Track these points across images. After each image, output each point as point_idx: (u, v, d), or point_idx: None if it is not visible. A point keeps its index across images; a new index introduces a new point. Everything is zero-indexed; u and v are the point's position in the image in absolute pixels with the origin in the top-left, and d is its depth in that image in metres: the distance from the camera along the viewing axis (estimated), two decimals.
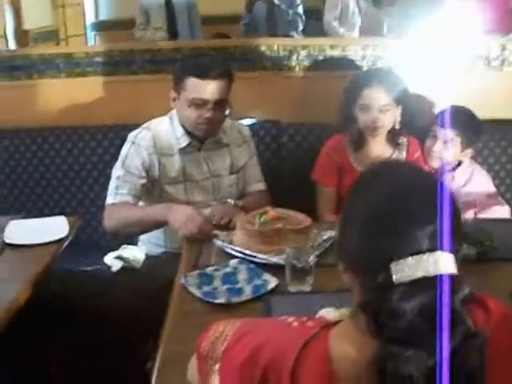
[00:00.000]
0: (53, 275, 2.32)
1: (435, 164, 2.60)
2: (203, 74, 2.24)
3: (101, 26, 6.03)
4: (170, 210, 2.17)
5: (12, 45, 4.00)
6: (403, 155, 2.62)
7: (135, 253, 2.56)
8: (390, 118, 2.50)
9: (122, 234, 2.43)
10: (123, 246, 2.61)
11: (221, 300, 1.66)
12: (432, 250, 0.92)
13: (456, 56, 2.93)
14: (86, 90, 2.92)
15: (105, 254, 2.58)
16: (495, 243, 1.97)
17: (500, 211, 2.55)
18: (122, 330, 2.34)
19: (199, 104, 2.26)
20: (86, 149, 2.87)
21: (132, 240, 2.85)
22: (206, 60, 2.41)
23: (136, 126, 2.71)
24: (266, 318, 1.20)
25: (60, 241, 2.16)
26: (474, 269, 1.87)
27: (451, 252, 0.94)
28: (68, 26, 5.06)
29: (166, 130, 2.40)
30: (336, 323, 1.02)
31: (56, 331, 2.39)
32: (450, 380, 0.89)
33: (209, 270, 1.85)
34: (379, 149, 2.60)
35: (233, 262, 1.89)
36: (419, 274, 0.91)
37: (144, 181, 2.36)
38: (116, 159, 2.83)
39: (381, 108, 2.46)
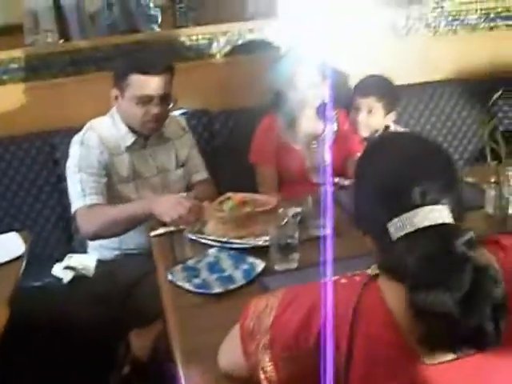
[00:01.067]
0: None
1: (364, 133, 2.71)
2: (148, 70, 2.20)
3: None
4: (153, 202, 2.12)
5: None
6: (334, 127, 2.71)
7: (84, 261, 2.50)
8: (319, 93, 2.59)
9: (103, 237, 2.32)
10: (68, 255, 2.54)
11: (218, 289, 1.67)
12: (424, 204, 1.04)
13: (366, 27, 3.07)
14: (6, 98, 2.79)
15: (50, 266, 2.51)
16: None
17: None
18: (88, 340, 2.29)
19: (145, 101, 2.23)
20: (14, 160, 2.74)
21: (74, 248, 2.79)
22: (149, 55, 2.37)
23: (65, 130, 2.65)
24: (308, 283, 1.24)
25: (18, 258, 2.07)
26: None
27: (445, 204, 1.06)
28: None
29: (109, 129, 2.34)
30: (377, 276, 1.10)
31: (19, 351, 2.31)
32: (478, 306, 0.99)
33: (190, 262, 1.85)
34: (311, 124, 2.69)
35: (211, 251, 1.90)
36: (411, 228, 1.03)
37: (105, 179, 2.29)
38: (47, 167, 2.75)
39: (309, 84, 2.55)
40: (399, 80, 2.79)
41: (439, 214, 1.05)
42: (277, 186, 2.67)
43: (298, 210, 2.06)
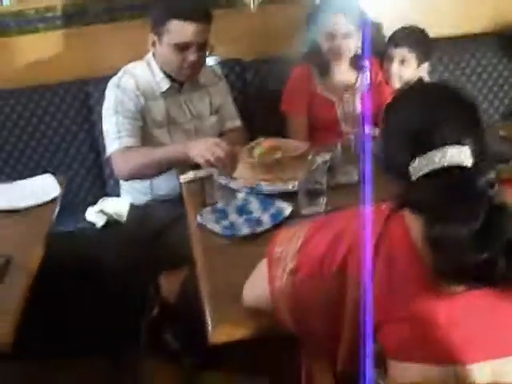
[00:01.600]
0: None
1: (396, 84, 2.69)
2: (188, 16, 2.19)
3: None
4: (188, 144, 2.13)
5: None
6: (367, 77, 2.70)
7: (117, 206, 2.54)
8: (354, 43, 2.58)
9: (139, 178, 2.35)
10: (101, 199, 2.58)
11: (245, 231, 1.71)
12: (445, 145, 1.09)
13: None
14: (42, 46, 2.81)
15: (83, 212, 2.56)
16: None
17: None
18: (119, 284, 2.34)
19: (183, 47, 2.23)
20: (50, 107, 2.78)
21: (107, 192, 2.83)
22: (188, 2, 2.32)
23: (99, 78, 2.67)
24: (335, 212, 1.29)
25: (54, 200, 2.11)
26: None
27: (466, 145, 1.10)
28: None
29: (144, 74, 2.35)
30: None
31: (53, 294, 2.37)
32: (492, 240, 1.04)
33: (219, 205, 1.88)
34: (344, 74, 2.69)
35: (240, 195, 1.93)
36: (434, 166, 1.09)
37: (140, 123, 2.31)
38: (81, 114, 2.79)
39: (345, 34, 2.53)
40: (434, 32, 2.77)
41: (459, 154, 1.09)
42: (307, 135, 2.67)
43: (328, 156, 2.06)
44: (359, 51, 2.62)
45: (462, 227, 1.03)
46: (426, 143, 1.10)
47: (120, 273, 2.31)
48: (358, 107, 2.63)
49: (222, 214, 1.82)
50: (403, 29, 2.67)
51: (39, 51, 2.82)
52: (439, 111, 1.13)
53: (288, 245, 1.21)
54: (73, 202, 2.86)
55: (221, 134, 2.51)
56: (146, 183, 2.45)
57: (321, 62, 2.63)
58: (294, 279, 1.18)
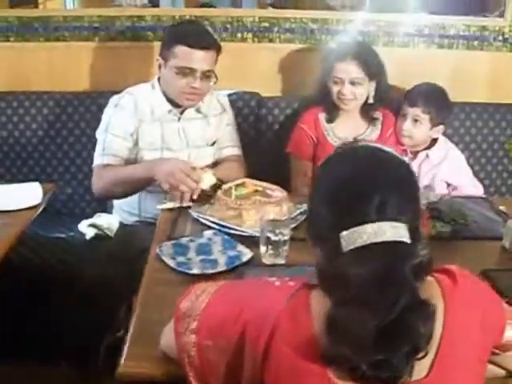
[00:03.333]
0: (27, 241, 2.31)
1: (406, 142, 2.63)
2: (194, 43, 2.24)
3: None
4: (157, 164, 2.15)
5: None
6: (378, 130, 2.64)
7: (109, 220, 2.56)
8: (362, 91, 2.53)
9: (111, 197, 2.40)
10: (97, 213, 2.61)
11: (195, 271, 1.67)
12: (377, 220, 1.00)
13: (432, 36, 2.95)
14: (64, 54, 2.87)
15: (79, 221, 2.58)
16: (468, 221, 2.00)
17: (474, 191, 2.59)
18: (95, 296, 2.34)
19: (187, 73, 2.26)
20: (63, 115, 2.82)
21: (106, 208, 2.85)
22: (198, 29, 2.38)
23: (113, 93, 2.69)
24: (247, 280, 1.24)
25: (35, 207, 2.14)
26: (447, 246, 1.93)
27: (399, 222, 1.01)
28: None
29: (147, 96, 2.39)
30: (317, 285, 1.07)
31: (28, 296, 2.39)
32: (396, 342, 0.94)
33: (184, 240, 1.86)
34: (353, 122, 2.64)
35: (207, 232, 1.90)
36: (363, 241, 0.99)
37: (129, 144, 2.34)
38: (92, 126, 2.82)
39: (352, 80, 2.49)
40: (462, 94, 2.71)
41: (392, 231, 1.00)
42: (309, 180, 2.62)
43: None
44: (370, 100, 2.58)
45: (370, 318, 0.94)
46: (357, 215, 1.01)
47: (98, 285, 2.32)
48: None
49: (181, 250, 1.79)
50: (420, 86, 2.61)
51: (62, 59, 2.89)
52: (375, 180, 1.05)
53: (195, 301, 1.18)
54: (73, 210, 2.90)
55: (217, 162, 2.50)
56: (135, 205, 2.46)
57: (330, 106, 2.60)
58: (195, 339, 1.14)
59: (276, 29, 2.88)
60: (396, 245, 1.00)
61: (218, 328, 1.10)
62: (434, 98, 2.57)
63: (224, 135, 2.52)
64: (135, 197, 2.41)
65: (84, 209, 2.89)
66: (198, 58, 2.26)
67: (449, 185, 2.61)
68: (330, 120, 2.62)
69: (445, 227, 1.96)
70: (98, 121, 2.76)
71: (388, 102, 2.64)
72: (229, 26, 2.87)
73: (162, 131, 2.38)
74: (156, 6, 3.71)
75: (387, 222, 1.00)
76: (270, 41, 2.91)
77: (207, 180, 2.03)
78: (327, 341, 0.97)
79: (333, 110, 2.60)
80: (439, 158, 2.62)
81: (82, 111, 2.83)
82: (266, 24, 2.88)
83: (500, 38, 2.98)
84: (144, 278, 1.71)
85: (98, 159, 2.32)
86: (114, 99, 2.39)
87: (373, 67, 2.50)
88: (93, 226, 2.54)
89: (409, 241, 1.01)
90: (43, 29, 2.84)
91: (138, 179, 2.21)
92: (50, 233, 2.64)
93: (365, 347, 0.94)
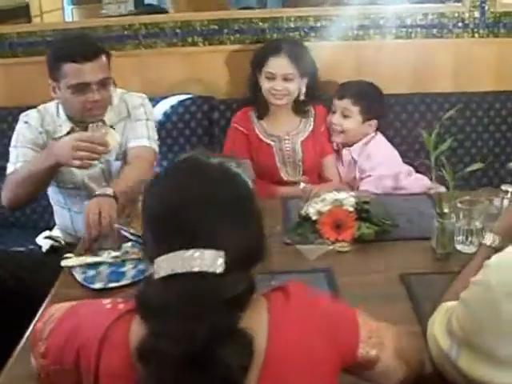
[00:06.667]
0: None
1: (338, 139, 2.62)
2: (79, 57, 2.12)
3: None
4: (52, 147, 2.08)
5: None
6: (310, 126, 2.64)
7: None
8: (294, 87, 2.53)
9: (17, 201, 2.25)
10: (56, 226, 2.63)
11: (97, 285, 1.68)
12: (191, 247, 0.97)
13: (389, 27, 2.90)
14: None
15: (38, 234, 2.61)
16: (396, 222, 1.95)
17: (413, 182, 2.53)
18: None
19: (82, 88, 2.16)
20: None
21: None
22: (78, 42, 2.25)
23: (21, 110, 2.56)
24: (90, 300, 1.24)
25: None
26: (369, 248, 1.89)
27: (217, 250, 0.98)
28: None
29: (52, 115, 2.32)
30: None
31: None
32: (204, 376, 0.93)
33: (101, 252, 1.86)
34: (285, 119, 2.63)
35: (126, 245, 1.89)
36: (169, 270, 0.97)
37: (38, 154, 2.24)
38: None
39: (285, 76, 2.49)
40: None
41: (200, 261, 0.97)
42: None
43: None
44: (302, 97, 2.58)
45: (175, 350, 0.93)
46: (171, 241, 0.99)
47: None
48: (298, 155, 2.57)
49: (94, 265, 1.79)
50: (351, 81, 2.62)
51: None
52: (192, 205, 1.01)
53: (46, 324, 1.16)
54: (38, 224, 2.93)
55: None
56: (68, 224, 2.47)
57: (261, 103, 2.59)
58: (44, 363, 1.14)
59: (226, 30, 2.86)
60: (204, 276, 0.97)
61: (60, 352, 1.09)
62: (363, 92, 2.57)
63: (132, 130, 2.36)
64: (67, 219, 2.40)
65: (48, 222, 2.89)
66: (88, 71, 2.14)
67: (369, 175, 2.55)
68: (260, 117, 2.62)
69: (370, 228, 1.92)
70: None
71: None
72: (178, 30, 2.86)
73: None
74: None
75: (200, 250, 0.97)
76: (221, 43, 2.89)
77: (112, 140, 2.04)
78: (142, 370, 0.97)
79: (263, 107, 2.59)
80: (365, 151, 2.60)
81: None
82: (215, 26, 2.86)
83: (460, 24, 2.92)
84: (50, 294, 1.71)
85: (8, 169, 2.25)
86: (22, 115, 2.34)
87: (305, 64, 2.50)
88: (49, 237, 2.58)
89: (222, 271, 0.97)
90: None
91: (38, 171, 2.11)
92: (10, 247, 2.68)
93: (174, 379, 0.94)
